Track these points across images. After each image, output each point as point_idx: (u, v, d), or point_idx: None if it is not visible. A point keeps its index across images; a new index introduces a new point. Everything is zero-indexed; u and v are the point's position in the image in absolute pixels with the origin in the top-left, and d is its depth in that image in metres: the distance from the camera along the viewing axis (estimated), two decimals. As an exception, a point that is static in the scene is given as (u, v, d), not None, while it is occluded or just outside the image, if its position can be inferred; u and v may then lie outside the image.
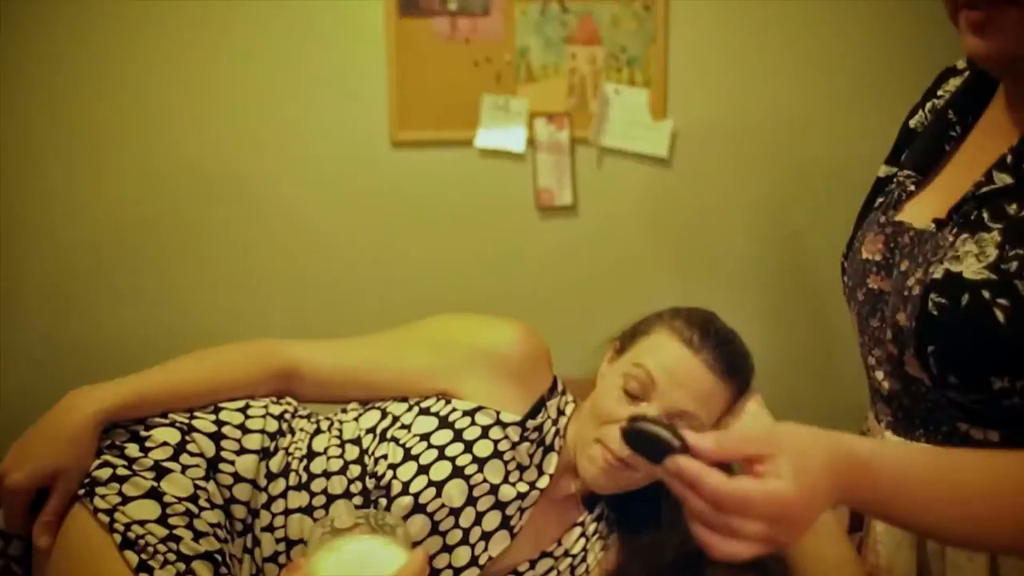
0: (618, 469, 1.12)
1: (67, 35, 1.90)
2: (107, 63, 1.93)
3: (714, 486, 0.69)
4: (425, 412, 1.12)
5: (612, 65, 2.04)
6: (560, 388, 1.21)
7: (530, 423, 1.13)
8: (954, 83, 1.02)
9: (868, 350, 0.98)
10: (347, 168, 2.04)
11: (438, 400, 1.14)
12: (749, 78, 2.05)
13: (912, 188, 0.97)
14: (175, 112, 1.97)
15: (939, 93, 1.03)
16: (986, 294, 0.79)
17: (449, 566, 1.07)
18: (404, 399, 1.16)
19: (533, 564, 1.16)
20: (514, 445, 1.11)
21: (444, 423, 1.10)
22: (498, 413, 1.11)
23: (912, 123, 1.04)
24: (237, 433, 1.09)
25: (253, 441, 1.09)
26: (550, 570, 1.17)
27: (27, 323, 1.97)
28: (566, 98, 2.06)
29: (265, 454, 1.09)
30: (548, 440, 1.16)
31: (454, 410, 1.12)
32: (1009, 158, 0.83)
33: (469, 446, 1.09)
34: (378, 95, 2.01)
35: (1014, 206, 0.81)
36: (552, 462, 1.15)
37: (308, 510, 1.07)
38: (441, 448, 1.08)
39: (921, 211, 0.94)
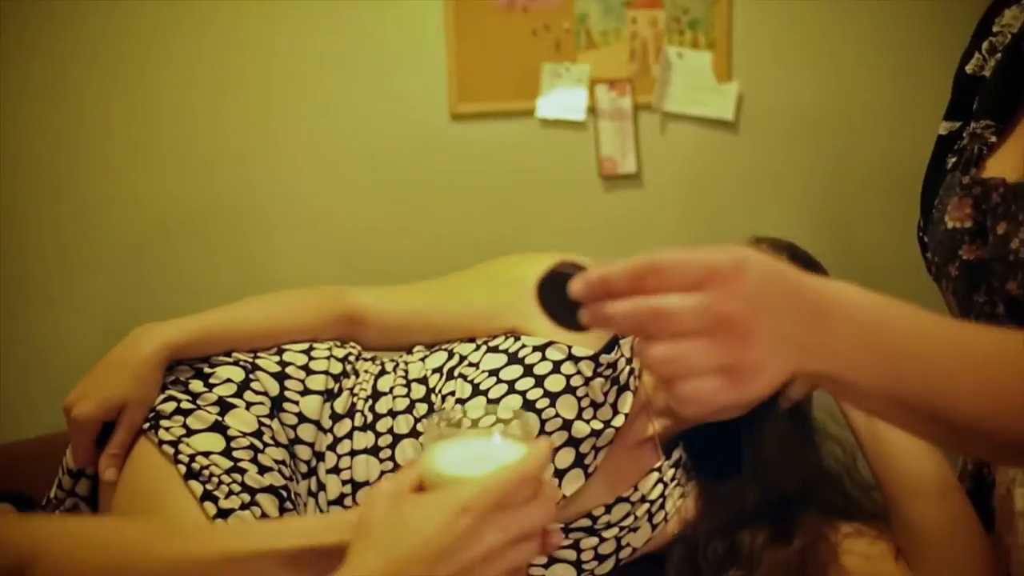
0: None
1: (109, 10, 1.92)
2: (157, 37, 1.93)
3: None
4: (493, 350, 1.08)
5: (674, 28, 1.99)
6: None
7: (603, 358, 1.08)
8: (1011, 16, 0.92)
9: (970, 317, 0.87)
10: (407, 143, 2.01)
11: (507, 338, 1.10)
12: (816, 36, 1.98)
13: (993, 139, 0.87)
14: (227, 88, 1.96)
15: (994, 30, 0.93)
16: None
17: None
18: (471, 339, 1.13)
19: (609, 509, 1.11)
20: (587, 381, 1.06)
21: (513, 359, 1.06)
22: (569, 348, 1.07)
23: (968, 68, 0.94)
24: (301, 374, 1.06)
25: (317, 382, 1.06)
26: (627, 515, 1.12)
27: (79, 320, 1.98)
28: (627, 64, 2.01)
29: (329, 395, 1.06)
30: (623, 379, 1.11)
31: (523, 346, 1.07)
32: None
33: (540, 381, 1.05)
34: (437, 68, 1.98)
35: None
36: (627, 401, 1.11)
37: (374, 451, 1.04)
38: (511, 383, 1.04)
39: (1010, 163, 0.84)
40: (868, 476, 1.13)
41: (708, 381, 0.55)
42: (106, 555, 0.69)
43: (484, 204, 2.04)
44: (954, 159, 0.91)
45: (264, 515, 0.92)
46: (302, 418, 1.04)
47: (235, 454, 0.96)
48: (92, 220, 1.97)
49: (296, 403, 1.04)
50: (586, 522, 1.09)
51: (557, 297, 0.61)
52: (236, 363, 1.05)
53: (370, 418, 1.05)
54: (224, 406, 1.00)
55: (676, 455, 1.18)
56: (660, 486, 1.15)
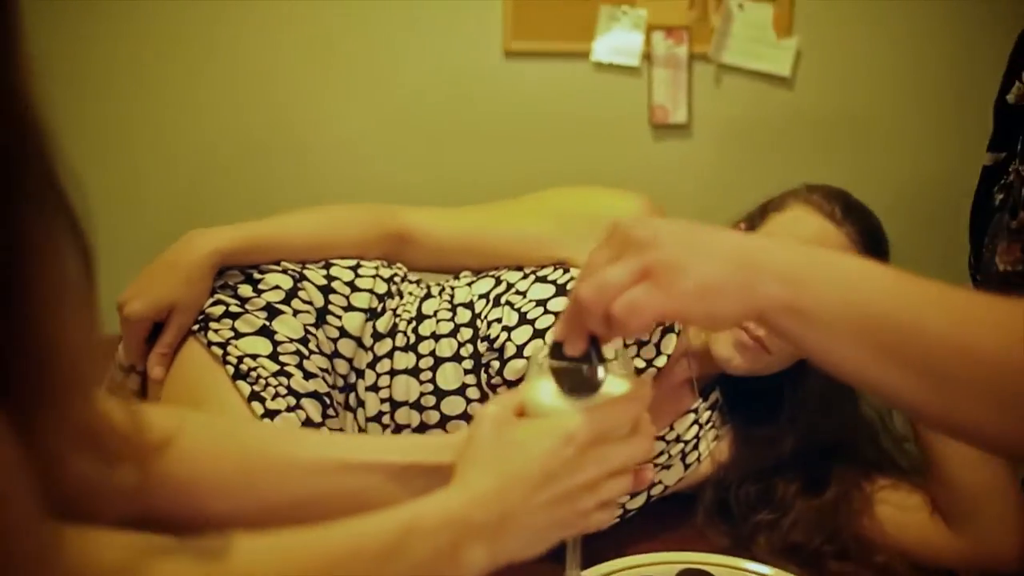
0: (755, 351, 1.07)
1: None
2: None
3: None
4: (542, 280, 1.08)
5: (737, -23, 1.95)
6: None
7: None
8: None
9: None
10: (458, 78, 2.00)
11: (556, 269, 1.10)
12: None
13: None
14: (278, 26, 1.96)
15: None
16: None
17: None
18: (519, 268, 1.13)
19: (644, 443, 1.11)
20: None
21: (562, 291, 1.07)
22: (619, 283, 1.07)
23: (1010, 98, 0.91)
24: (346, 290, 1.07)
25: (361, 299, 1.07)
26: (660, 454, 1.13)
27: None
28: (686, 11, 1.98)
29: (372, 314, 1.07)
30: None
31: (572, 279, 1.08)
32: None
33: None
34: (493, 3, 1.96)
35: None
36: (671, 343, 1.11)
37: (414, 372, 1.05)
38: (558, 314, 1.05)
39: None
40: (903, 428, 1.13)
41: (634, 290, 0.59)
42: (240, 450, 0.70)
43: (532, 144, 2.03)
44: (1001, 196, 0.88)
45: (308, 419, 0.94)
46: (343, 333, 1.05)
47: (281, 358, 0.97)
48: (140, 164, 2.00)
49: (339, 317, 1.05)
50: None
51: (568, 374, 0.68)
52: (284, 271, 1.07)
53: (412, 339, 1.06)
54: (272, 311, 1.01)
55: (713, 398, 1.19)
56: (695, 427, 1.16)
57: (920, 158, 2.00)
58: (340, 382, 1.06)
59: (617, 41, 1.98)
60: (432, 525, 0.59)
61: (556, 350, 0.69)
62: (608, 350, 0.73)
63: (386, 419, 1.05)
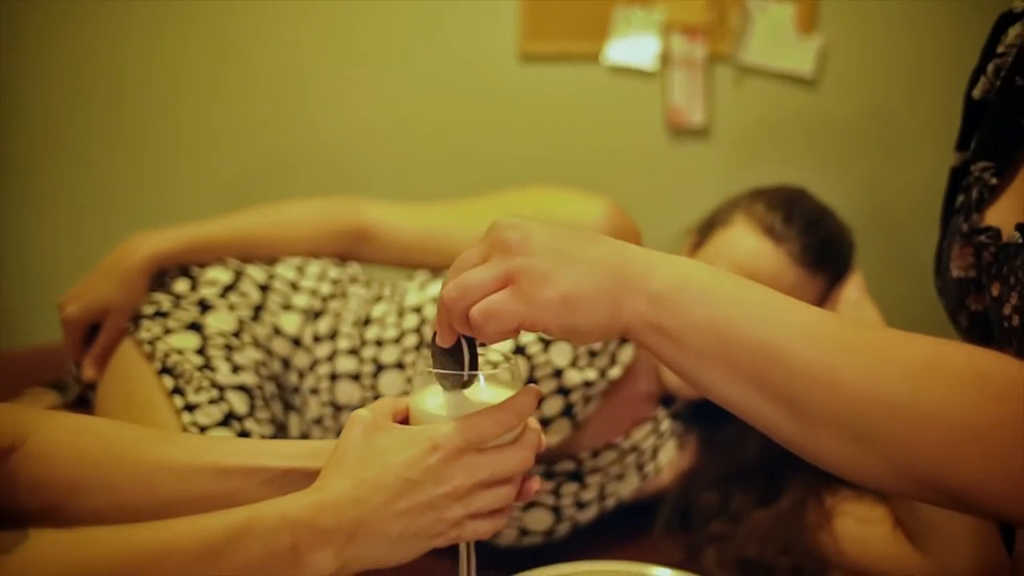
0: None
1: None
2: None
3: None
4: (495, 284, 1.07)
5: (756, -25, 1.90)
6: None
7: None
8: (1015, 34, 0.80)
9: None
10: (472, 78, 2.00)
11: (510, 273, 1.09)
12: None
13: (993, 181, 0.77)
14: (290, 26, 1.99)
15: (999, 50, 0.82)
16: None
17: None
18: (475, 270, 1.12)
19: (595, 454, 1.09)
20: None
21: (512, 296, 1.05)
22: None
23: (976, 93, 0.83)
24: (287, 289, 1.08)
25: (301, 299, 1.08)
26: (613, 463, 1.10)
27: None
28: (704, 11, 1.93)
29: (314, 315, 1.08)
30: (627, 330, 1.09)
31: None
32: None
33: None
34: (508, 2, 1.96)
35: None
36: (628, 354, 1.08)
37: (356, 377, 1.05)
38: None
39: (1010, 212, 0.74)
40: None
41: (494, 296, 0.59)
42: (102, 450, 0.70)
43: (546, 147, 2.02)
44: (962, 197, 0.83)
45: (232, 412, 0.95)
46: (278, 331, 1.06)
47: (209, 352, 0.99)
48: (170, 168, 2.05)
49: (274, 315, 1.06)
50: (570, 465, 1.08)
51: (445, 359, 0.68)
52: (226, 266, 1.08)
53: (357, 343, 1.07)
54: (205, 306, 1.03)
55: (676, 406, 1.16)
56: (653, 437, 1.12)
57: (949, 161, 1.91)
58: (276, 379, 1.07)
59: (633, 42, 1.95)
60: (268, 526, 0.58)
61: (438, 355, 0.68)
62: (495, 353, 0.72)
63: (328, 422, 1.05)
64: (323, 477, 0.63)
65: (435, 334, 0.67)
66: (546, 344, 1.02)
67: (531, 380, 1.02)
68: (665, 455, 1.13)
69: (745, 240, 1.05)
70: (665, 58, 1.94)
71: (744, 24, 1.92)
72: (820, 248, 1.04)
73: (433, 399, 0.68)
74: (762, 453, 1.08)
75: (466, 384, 0.67)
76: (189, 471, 0.69)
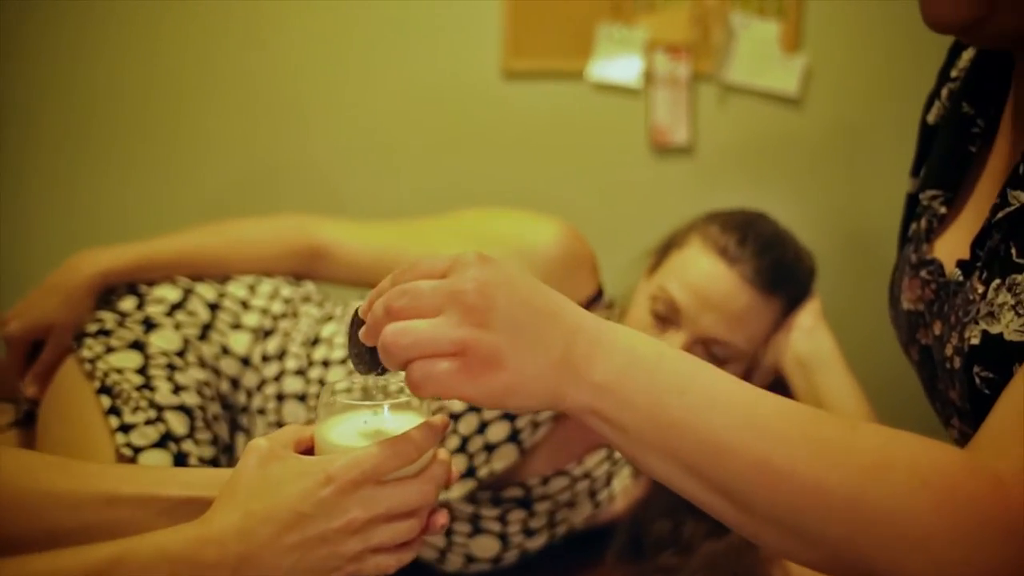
0: None
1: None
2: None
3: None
4: (444, 304, 1.06)
5: (740, -7, 1.89)
6: (606, 301, 1.11)
7: None
8: (967, 59, 0.80)
9: (941, 414, 0.77)
10: (455, 96, 2.00)
11: (462, 295, 1.07)
12: (892, 11, 1.83)
13: (943, 210, 0.76)
14: (273, 43, 1.99)
15: (952, 74, 0.82)
16: None
17: None
18: (428, 291, 1.10)
19: (546, 481, 1.07)
20: None
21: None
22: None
23: (930, 119, 0.82)
24: (237, 307, 1.07)
25: (251, 318, 1.07)
26: (564, 490, 1.08)
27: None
28: (688, 29, 1.92)
29: (263, 334, 1.07)
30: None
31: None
32: (1022, 168, 0.63)
33: None
34: (491, 21, 1.95)
35: None
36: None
37: (303, 398, 1.04)
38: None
39: (956, 245, 0.73)
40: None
41: (441, 361, 0.55)
42: None
43: (530, 165, 2.01)
44: (915, 225, 0.81)
45: (170, 433, 0.93)
46: (226, 351, 1.05)
47: (150, 371, 0.97)
48: (150, 194, 2.05)
49: (223, 335, 1.05)
50: (518, 492, 1.06)
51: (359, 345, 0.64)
52: (174, 284, 1.07)
53: (304, 364, 1.05)
54: (150, 324, 1.02)
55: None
56: (607, 463, 1.10)
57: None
58: (223, 399, 1.05)
59: (616, 60, 1.94)
60: (142, 562, 0.57)
61: (355, 339, 0.65)
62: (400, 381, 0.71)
63: None
64: (213, 508, 0.62)
65: (357, 313, 0.63)
66: None
67: (471, 409, 1.00)
68: (619, 482, 1.11)
69: (699, 261, 1.03)
70: (649, 76, 1.93)
71: (728, 42, 1.90)
72: (774, 271, 1.02)
73: (337, 429, 0.66)
74: None
75: (380, 374, 0.64)
76: (77, 500, 0.67)
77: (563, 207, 1.98)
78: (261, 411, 1.05)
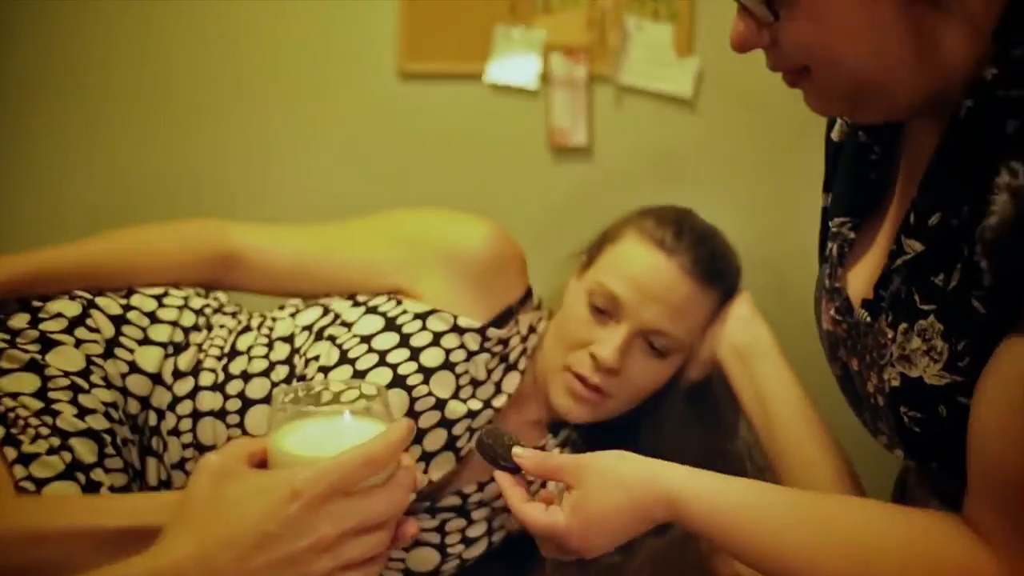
0: (593, 400, 1.01)
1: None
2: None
3: (513, 507, 0.81)
4: (372, 311, 1.01)
5: (635, -3, 1.91)
6: (535, 302, 1.09)
7: (492, 332, 1.01)
8: None
9: (859, 416, 0.81)
10: (351, 99, 1.94)
11: (389, 299, 1.03)
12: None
13: (852, 236, 0.79)
14: (160, 49, 1.90)
15: None
16: (964, 400, 0.64)
17: None
18: (352, 296, 1.06)
19: (482, 487, 1.04)
20: (470, 356, 1.00)
21: (391, 325, 0.99)
22: (455, 318, 1.00)
23: (835, 136, 0.84)
24: (144, 321, 0.99)
25: (161, 332, 0.99)
26: (500, 495, 1.05)
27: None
28: (585, 32, 1.93)
29: (174, 349, 0.99)
30: (513, 357, 1.05)
31: (404, 312, 1.01)
32: (912, 216, 0.66)
33: (416, 353, 0.98)
34: (387, 23, 1.90)
35: (941, 276, 0.64)
36: (513, 382, 1.04)
37: (220, 414, 0.97)
38: (383, 353, 0.98)
39: (859, 279, 0.76)
40: (764, 458, 1.07)
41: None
42: None
43: (427, 169, 1.97)
44: (831, 245, 0.83)
45: (76, 460, 0.85)
46: (134, 368, 0.97)
47: (50, 395, 0.89)
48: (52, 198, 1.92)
49: (131, 351, 0.97)
50: (455, 500, 1.03)
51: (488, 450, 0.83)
52: (73, 298, 0.98)
53: (221, 378, 0.99)
54: (47, 343, 0.93)
55: (564, 434, 1.12)
56: (543, 464, 1.09)
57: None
58: (131, 421, 0.98)
59: (513, 62, 1.93)
60: None
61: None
62: (367, 386, 0.67)
63: (191, 465, 0.97)
64: (165, 536, 0.56)
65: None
66: (427, 375, 0.97)
67: (412, 413, 0.96)
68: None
69: (638, 253, 1.03)
70: (546, 78, 1.93)
71: (624, 45, 1.93)
72: (711, 262, 1.04)
73: (294, 437, 0.62)
74: None
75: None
76: (4, 539, 0.60)
77: (463, 209, 1.96)
78: (174, 432, 0.98)
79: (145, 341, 0.99)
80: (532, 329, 1.08)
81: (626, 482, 0.77)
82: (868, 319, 0.71)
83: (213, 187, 1.94)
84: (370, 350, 0.97)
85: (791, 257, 1.99)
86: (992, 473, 0.63)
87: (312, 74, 1.92)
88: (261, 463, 0.62)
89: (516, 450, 0.81)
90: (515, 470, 0.81)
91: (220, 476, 0.58)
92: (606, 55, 1.93)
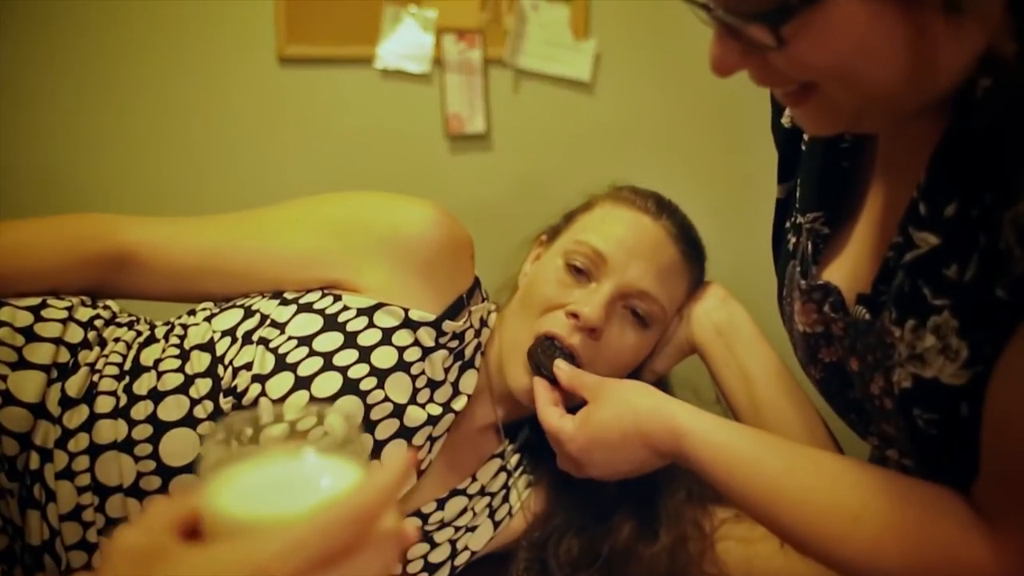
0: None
1: None
2: None
3: (539, 406, 0.88)
4: (306, 309, 0.87)
5: (530, -24, 1.83)
6: (484, 293, 0.98)
7: (448, 325, 0.89)
8: None
9: (845, 418, 0.78)
10: (229, 86, 1.76)
11: (324, 295, 0.88)
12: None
13: (826, 230, 0.74)
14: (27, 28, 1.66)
15: None
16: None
17: None
18: (279, 294, 0.91)
19: (442, 504, 0.92)
20: (426, 353, 0.87)
21: (332, 324, 0.85)
22: (406, 311, 0.87)
23: (785, 121, 0.80)
24: (19, 339, 0.80)
25: (42, 353, 0.81)
26: (463, 511, 0.93)
27: None
28: (478, 13, 1.83)
29: (60, 372, 0.81)
30: (468, 354, 0.93)
31: (345, 308, 0.86)
32: (922, 208, 0.61)
33: (366, 354, 0.84)
34: (263, 4, 1.74)
35: (953, 268, 0.59)
36: (471, 381, 0.92)
37: (127, 445, 0.79)
38: (327, 356, 0.83)
39: (847, 272, 0.72)
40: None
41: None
42: None
43: (315, 159, 1.82)
44: (792, 238, 0.78)
45: None
46: (9, 399, 0.79)
47: None
48: None
49: (4, 378, 0.79)
50: (415, 523, 0.91)
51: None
52: None
53: (124, 401, 0.82)
54: None
55: (522, 437, 1.01)
56: (503, 475, 0.98)
57: (726, 165, 1.93)
58: (7, 466, 0.79)
59: (404, 45, 1.81)
60: None
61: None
62: (335, 419, 0.51)
63: (89, 514, 0.79)
64: None
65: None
66: (381, 377, 0.84)
67: (367, 423, 0.83)
68: (515, 496, 0.98)
69: (621, 215, 0.96)
70: (439, 62, 1.81)
71: (519, 27, 1.84)
72: (691, 233, 0.97)
73: (238, 492, 0.45)
74: (620, 491, 0.96)
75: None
76: None
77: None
78: (66, 474, 0.79)
79: (21, 364, 0.80)
80: (484, 323, 0.97)
81: (637, 410, 0.79)
82: (867, 316, 0.66)
83: (79, 182, 1.72)
84: (312, 353, 0.82)
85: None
86: (1010, 453, 0.59)
87: (185, 58, 1.73)
88: (195, 532, 0.45)
89: (558, 362, 0.88)
90: (554, 381, 0.89)
91: (145, 559, 0.42)
92: (501, 38, 1.84)
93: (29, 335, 0.82)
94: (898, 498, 0.67)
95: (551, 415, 0.86)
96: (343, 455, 0.48)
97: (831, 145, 0.74)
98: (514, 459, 0.99)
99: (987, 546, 0.63)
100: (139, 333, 0.89)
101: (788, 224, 0.80)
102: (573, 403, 0.88)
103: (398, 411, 0.84)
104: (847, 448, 0.93)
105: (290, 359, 0.82)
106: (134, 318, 0.93)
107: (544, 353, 0.90)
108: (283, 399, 0.79)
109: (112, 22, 1.70)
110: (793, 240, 0.78)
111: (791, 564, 0.90)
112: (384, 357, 0.84)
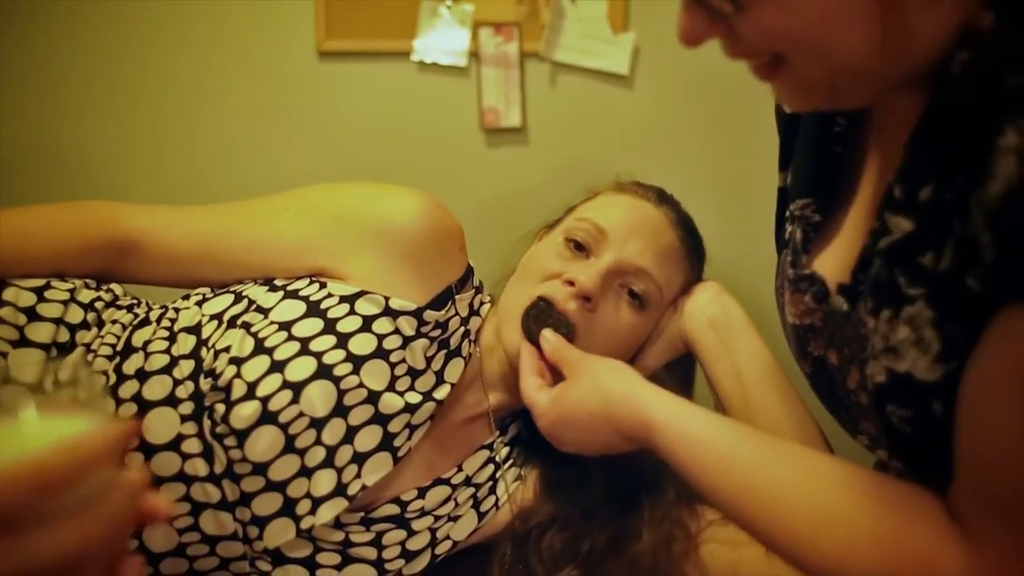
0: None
1: None
2: None
3: (521, 373, 0.89)
4: (293, 296, 0.88)
5: (568, -31, 1.81)
6: (476, 282, 0.98)
7: (430, 315, 0.89)
8: None
9: (835, 415, 0.74)
10: (269, 80, 1.80)
11: (311, 282, 0.90)
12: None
13: (817, 218, 0.72)
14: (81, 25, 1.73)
15: None
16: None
17: (307, 495, 0.82)
18: (268, 281, 0.93)
19: (423, 493, 0.92)
20: (406, 342, 0.88)
21: (314, 310, 0.86)
22: (387, 299, 0.88)
23: (786, 107, 0.78)
24: (21, 319, 0.84)
25: (42, 331, 0.84)
26: (446, 501, 0.93)
27: None
28: (516, 6, 1.82)
29: (58, 350, 0.85)
30: (454, 343, 0.93)
31: (329, 295, 0.88)
32: (897, 191, 0.57)
33: (343, 340, 0.85)
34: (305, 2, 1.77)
35: (929, 255, 0.55)
36: (456, 370, 0.92)
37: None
38: (305, 341, 0.84)
39: (834, 261, 0.69)
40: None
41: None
42: None
43: (353, 153, 1.84)
44: (789, 228, 0.76)
45: None
46: (6, 380, 0.82)
47: None
48: None
49: (3, 355, 0.82)
50: (393, 509, 0.91)
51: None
52: None
53: (112, 380, 0.84)
54: None
55: (513, 431, 1.01)
56: (491, 467, 0.97)
57: (766, 160, 1.88)
58: None
59: (441, 39, 1.81)
60: None
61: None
62: (67, 369, 0.48)
63: None
64: None
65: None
66: (357, 364, 0.84)
67: (341, 408, 0.83)
68: (503, 488, 0.98)
69: (624, 201, 0.98)
70: (476, 55, 1.81)
71: (557, 21, 1.82)
72: (692, 226, 0.97)
73: None
74: (607, 488, 0.95)
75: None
76: None
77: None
78: None
79: (22, 341, 0.84)
80: (474, 311, 0.97)
81: (608, 393, 0.78)
82: (845, 307, 0.64)
83: (109, 175, 1.78)
84: (290, 338, 0.84)
85: (737, 241, 1.92)
86: (982, 457, 0.56)
87: (223, 51, 1.77)
88: None
89: (545, 332, 0.89)
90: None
91: None
92: (539, 31, 1.83)
93: (31, 315, 0.85)
94: (874, 502, 0.64)
95: (530, 385, 0.86)
96: (67, 414, 0.45)
97: (824, 129, 0.71)
98: (504, 451, 0.99)
99: (962, 556, 0.60)
100: (135, 316, 0.92)
101: (788, 213, 0.78)
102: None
103: (372, 397, 0.85)
104: (845, 449, 0.89)
105: (268, 343, 0.83)
106: (135, 301, 0.96)
107: (538, 317, 0.90)
108: (257, 382, 0.80)
109: (152, 16, 1.75)
110: (789, 229, 0.76)
111: (776, 570, 0.88)
112: (362, 344, 0.85)
